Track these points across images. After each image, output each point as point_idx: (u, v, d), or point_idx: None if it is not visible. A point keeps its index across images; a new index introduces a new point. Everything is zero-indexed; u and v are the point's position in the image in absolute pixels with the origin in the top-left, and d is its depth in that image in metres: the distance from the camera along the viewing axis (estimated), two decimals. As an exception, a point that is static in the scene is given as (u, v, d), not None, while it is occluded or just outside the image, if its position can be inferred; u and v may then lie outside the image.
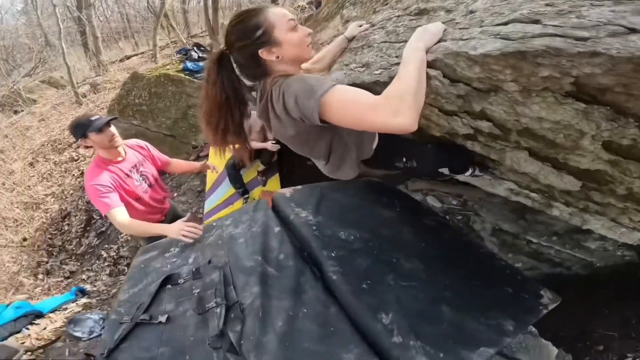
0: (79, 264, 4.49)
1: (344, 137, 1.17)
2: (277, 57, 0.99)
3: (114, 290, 1.99)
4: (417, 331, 1.08)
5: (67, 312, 1.78)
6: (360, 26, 1.60)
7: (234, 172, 3.57)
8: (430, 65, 0.97)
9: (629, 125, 0.77)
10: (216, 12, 13.52)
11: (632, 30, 0.60)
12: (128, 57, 15.84)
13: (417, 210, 1.72)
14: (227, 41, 1.02)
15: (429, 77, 0.98)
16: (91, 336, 1.46)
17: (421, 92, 0.84)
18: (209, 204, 3.67)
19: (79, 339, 1.46)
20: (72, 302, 1.88)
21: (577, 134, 0.87)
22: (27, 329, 1.60)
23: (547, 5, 0.75)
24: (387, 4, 1.67)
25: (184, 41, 12.32)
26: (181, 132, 4.87)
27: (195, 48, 5.82)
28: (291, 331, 1.08)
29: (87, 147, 1.84)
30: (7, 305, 1.75)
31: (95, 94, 10.66)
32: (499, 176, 1.52)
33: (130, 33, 19.41)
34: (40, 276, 4.30)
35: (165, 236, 1.62)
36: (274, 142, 3.50)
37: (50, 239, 5.16)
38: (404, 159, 1.35)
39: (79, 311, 1.75)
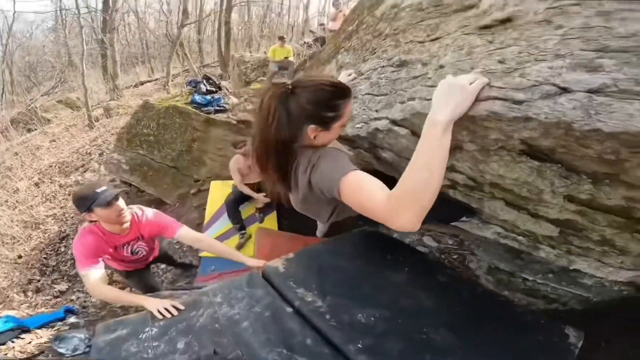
0: (69, 284, 4.50)
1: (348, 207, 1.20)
2: (314, 138, 0.98)
3: (102, 313, 1.97)
4: None
5: (53, 329, 1.79)
6: (349, 75, 1.63)
7: (233, 206, 3.62)
8: (399, 123, 1.01)
9: (582, 182, 0.80)
10: (228, 44, 14.19)
11: (564, 90, 0.63)
12: (142, 83, 16.43)
13: (425, 266, 1.65)
14: (299, 89, 0.95)
15: (401, 136, 1.01)
16: (74, 354, 1.45)
17: (432, 187, 0.72)
18: (210, 234, 3.69)
19: (62, 354, 1.46)
20: (60, 321, 1.89)
21: (536, 189, 0.89)
22: (13, 342, 1.61)
23: (499, 62, 0.80)
24: (374, 53, 1.75)
25: (196, 71, 12.84)
26: (184, 164, 4.93)
27: (204, 81, 6.01)
28: None
29: (92, 221, 1.72)
30: None
31: (107, 118, 10.99)
32: (486, 220, 1.51)
33: (147, 58, 20.27)
34: (29, 293, 4.30)
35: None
36: (265, 194, 3.62)
37: (45, 258, 5.19)
38: None
39: (66, 329, 1.76)
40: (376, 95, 1.35)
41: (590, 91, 0.60)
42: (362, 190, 0.82)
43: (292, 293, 1.38)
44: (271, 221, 3.87)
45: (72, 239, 5.24)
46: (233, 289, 1.50)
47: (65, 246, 5.29)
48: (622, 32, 0.64)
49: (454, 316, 1.39)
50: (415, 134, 1.03)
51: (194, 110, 5.02)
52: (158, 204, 4.84)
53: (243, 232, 3.67)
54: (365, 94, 1.43)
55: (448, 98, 0.76)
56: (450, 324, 1.34)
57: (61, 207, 6.33)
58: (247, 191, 3.66)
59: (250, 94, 5.58)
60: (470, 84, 0.76)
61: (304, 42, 8.69)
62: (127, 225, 1.79)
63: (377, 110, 1.29)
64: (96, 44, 14.54)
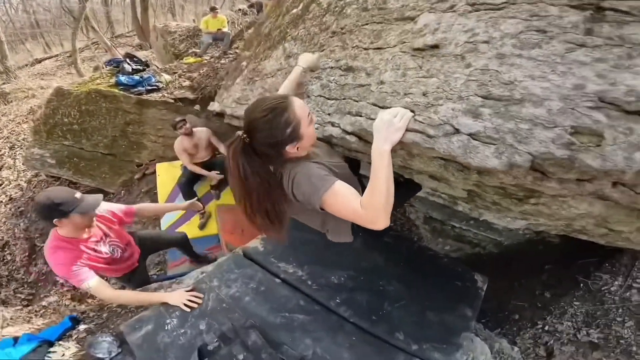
0: (33, 291, 4.33)
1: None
2: (297, 149, 1.07)
3: (105, 314, 2.03)
4: (423, 337, 1.60)
5: (73, 338, 1.82)
6: (314, 53, 1.63)
7: (187, 188, 3.64)
8: (350, 133, 1.27)
9: (471, 173, 1.12)
10: (146, 11, 12.63)
11: (457, 131, 0.96)
12: (39, 61, 14.10)
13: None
14: (251, 133, 1.02)
15: (352, 142, 1.28)
16: (111, 356, 1.56)
17: (390, 196, 0.97)
18: (165, 222, 3.71)
19: (101, 359, 1.55)
20: (73, 330, 1.92)
21: (445, 175, 1.25)
22: (49, 356, 1.66)
23: (423, 94, 1.09)
24: (322, 50, 1.85)
25: (108, 43, 11.37)
26: (121, 150, 4.66)
27: (127, 60, 5.41)
28: (356, 355, 1.49)
29: (57, 225, 1.64)
30: (14, 340, 1.78)
31: (5, 104, 9.49)
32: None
33: (39, 33, 17.23)
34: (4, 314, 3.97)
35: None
36: (217, 172, 3.69)
37: None
38: None
39: (85, 336, 1.82)
40: (327, 99, 1.56)
41: (470, 134, 0.93)
42: (342, 204, 1.01)
43: (276, 267, 1.74)
44: (228, 196, 3.97)
45: (14, 245, 4.87)
46: (225, 273, 1.79)
47: (10, 253, 4.90)
48: (504, 79, 0.96)
49: (399, 270, 1.91)
50: (362, 140, 1.31)
51: (121, 92, 4.64)
52: (98, 194, 4.57)
53: (202, 211, 3.70)
54: (318, 96, 1.62)
55: (386, 132, 1.02)
56: (398, 276, 1.86)
57: (-12, 214, 5.58)
58: (199, 170, 3.67)
59: (184, 69, 5.29)
60: (401, 115, 1.07)
61: (238, 9, 8.13)
62: (93, 229, 1.79)
63: (329, 114, 1.51)
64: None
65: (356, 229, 1.43)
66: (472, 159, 0.92)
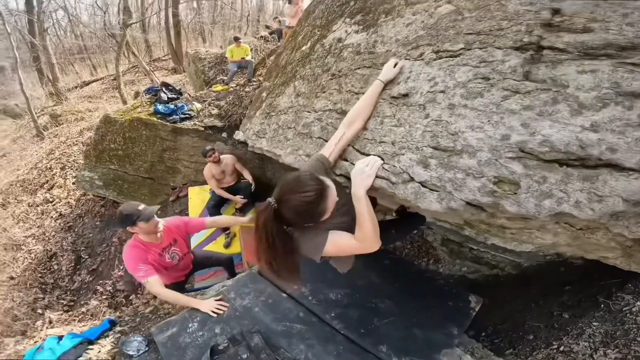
0: (75, 298, 4.81)
1: None
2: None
3: (138, 319, 2.34)
4: (404, 350, 1.77)
5: (109, 338, 2.12)
6: (395, 66, 1.47)
7: (215, 212, 4.00)
8: (341, 175, 1.50)
9: None
10: (179, 35, 13.64)
11: (411, 179, 1.18)
12: (87, 83, 15.48)
13: (375, 253, 2.37)
14: (283, 204, 1.12)
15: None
16: (139, 353, 1.83)
17: (375, 225, 1.19)
18: (194, 241, 4.03)
19: (131, 356, 1.82)
20: (110, 331, 2.23)
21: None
22: (87, 353, 1.95)
23: (392, 143, 1.30)
24: (324, 92, 2.06)
25: (147, 68, 12.35)
26: (159, 174, 5.14)
27: (163, 88, 5.96)
28: None
29: (131, 232, 2.09)
30: (59, 338, 2.11)
31: (57, 126, 10.46)
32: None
33: (86, 55, 18.83)
34: (39, 310, 4.56)
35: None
36: (242, 197, 4.03)
37: (40, 277, 5.39)
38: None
39: (119, 337, 2.11)
40: (325, 141, 1.77)
41: (420, 182, 1.15)
42: (342, 249, 1.26)
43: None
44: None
45: (62, 256, 5.48)
46: (241, 287, 2.13)
47: (57, 263, 5.50)
48: (452, 130, 1.16)
49: (393, 289, 2.11)
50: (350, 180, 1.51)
51: (159, 121, 5.10)
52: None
53: (227, 232, 4.09)
54: (317, 137, 1.86)
55: (359, 180, 1.22)
56: (391, 295, 2.06)
57: (38, 227, 6.36)
58: (225, 195, 4.06)
59: (213, 97, 5.73)
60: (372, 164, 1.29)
61: (261, 37, 8.62)
62: (160, 234, 2.18)
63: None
64: (25, 47, 13.41)
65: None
66: (421, 203, 1.14)
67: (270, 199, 1.14)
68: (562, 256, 2.74)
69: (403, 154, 1.23)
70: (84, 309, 4.16)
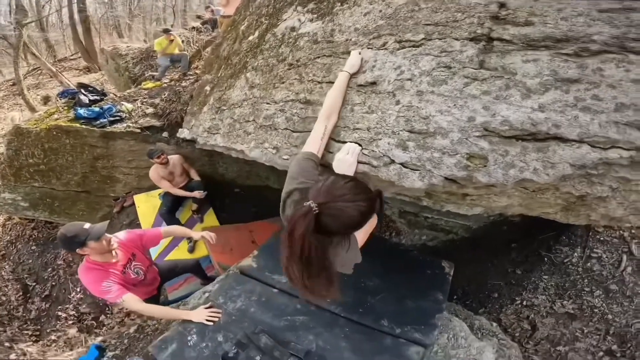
0: (38, 327, 4.42)
1: None
2: None
3: (126, 340, 2.20)
4: (404, 321, 1.88)
5: None
6: (360, 54, 1.52)
7: (169, 217, 3.77)
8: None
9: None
10: (89, 32, 12.12)
11: (392, 162, 1.27)
12: None
13: None
14: (327, 211, 0.95)
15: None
16: None
17: None
18: (155, 251, 3.80)
19: None
20: (102, 358, 2.09)
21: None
22: None
23: (367, 129, 1.38)
24: (283, 83, 2.03)
25: (53, 69, 10.84)
26: (95, 186, 4.62)
27: (82, 90, 5.25)
28: (352, 342, 1.76)
29: (81, 255, 1.93)
30: None
31: (-45, 145, 8.79)
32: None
33: None
34: (6, 344, 3.98)
35: None
36: (202, 191, 3.81)
37: None
38: None
39: None
40: (293, 132, 1.80)
41: (401, 164, 1.25)
42: (361, 240, 1.21)
43: (271, 279, 2.02)
44: (211, 218, 4.15)
45: (5, 286, 4.98)
46: (228, 290, 2.06)
47: (3, 294, 4.96)
48: (423, 114, 1.26)
49: (377, 267, 2.22)
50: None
51: (84, 126, 4.48)
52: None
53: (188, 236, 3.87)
54: (284, 129, 1.86)
55: (343, 169, 1.27)
56: (376, 273, 2.17)
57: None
58: (182, 193, 3.82)
59: (144, 95, 5.29)
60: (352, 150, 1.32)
61: (192, 27, 7.98)
62: (115, 252, 2.04)
63: (296, 146, 1.76)
64: None
65: None
66: (405, 183, 1.24)
67: (310, 203, 0.93)
68: (503, 215, 3.07)
69: (380, 139, 1.31)
70: (53, 337, 3.85)
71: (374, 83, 1.46)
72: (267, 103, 2.08)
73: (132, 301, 1.93)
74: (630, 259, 2.44)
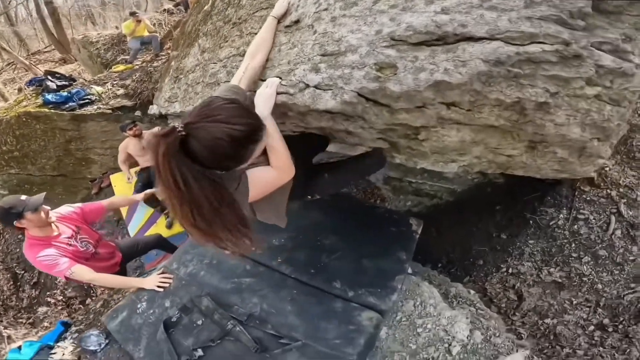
0: (31, 315, 4.51)
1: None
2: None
3: (91, 315, 2.21)
4: (358, 283, 1.73)
5: (68, 340, 2.00)
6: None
7: (144, 192, 3.74)
8: None
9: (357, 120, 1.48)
10: (59, 23, 11.77)
11: (307, 86, 1.29)
12: None
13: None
14: (195, 133, 0.83)
15: None
16: (102, 347, 1.78)
17: (286, 148, 1.11)
18: (132, 229, 3.85)
19: (94, 352, 1.76)
20: (66, 332, 2.10)
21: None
22: (51, 357, 1.85)
23: (287, 62, 1.40)
24: (227, 41, 2.07)
25: (26, 63, 10.60)
26: (70, 169, 4.66)
27: (49, 77, 5.25)
28: (298, 306, 1.64)
29: (19, 228, 1.85)
30: (19, 348, 1.96)
31: None
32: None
33: None
34: (4, 333, 4.12)
35: None
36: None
37: None
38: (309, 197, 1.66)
39: (77, 336, 1.99)
40: None
41: (315, 86, 1.27)
42: (263, 184, 1.10)
43: None
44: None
45: None
46: (182, 255, 2.03)
47: None
48: (335, 37, 1.29)
49: (337, 224, 2.10)
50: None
51: (52, 111, 4.52)
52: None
53: (166, 211, 3.86)
54: (225, 82, 1.84)
55: (262, 102, 1.21)
56: (335, 230, 2.04)
57: None
58: (126, 170, 3.79)
59: (115, 78, 5.26)
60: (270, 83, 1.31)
61: (164, 10, 7.82)
62: (53, 225, 1.96)
63: None
64: None
65: (296, 193, 1.44)
66: (318, 104, 1.26)
67: (176, 124, 0.81)
68: (487, 177, 2.95)
69: (297, 68, 1.34)
70: (46, 323, 3.95)
71: (297, 21, 1.46)
72: (214, 62, 2.11)
73: (83, 271, 1.88)
74: (619, 221, 2.20)
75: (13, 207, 1.79)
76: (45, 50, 13.70)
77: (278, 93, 1.37)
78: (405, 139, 1.70)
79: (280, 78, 1.40)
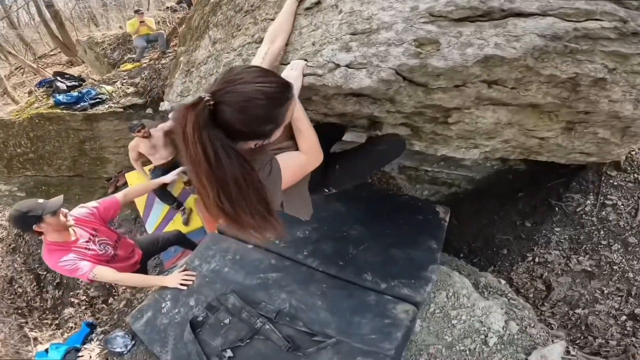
0: (56, 315, 4.61)
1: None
2: (255, 147, 0.97)
3: (115, 316, 2.21)
4: (390, 275, 1.65)
5: (94, 342, 2.00)
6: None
7: (161, 191, 3.75)
8: None
9: (384, 103, 1.42)
10: (62, 26, 11.79)
11: (337, 66, 1.21)
12: None
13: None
14: (223, 103, 0.78)
15: None
16: (129, 349, 1.74)
17: (314, 133, 1.07)
18: (150, 226, 3.87)
19: (121, 353, 1.73)
20: (92, 334, 2.09)
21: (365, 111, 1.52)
22: None
23: (312, 44, 1.33)
24: (239, 30, 2.02)
25: (34, 66, 10.71)
26: (86, 168, 4.67)
27: (58, 77, 5.22)
28: (329, 300, 1.57)
29: (38, 232, 1.80)
30: (45, 351, 1.97)
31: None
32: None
33: None
34: (31, 334, 4.28)
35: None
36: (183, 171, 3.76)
37: (11, 303, 5.03)
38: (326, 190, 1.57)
39: (102, 337, 1.98)
40: None
41: (346, 66, 1.18)
42: (294, 170, 1.06)
43: None
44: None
45: (20, 278, 5.21)
46: (204, 251, 1.97)
47: (19, 286, 5.19)
48: (365, 15, 1.21)
49: (360, 214, 2.02)
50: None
51: (65, 111, 4.49)
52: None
53: (182, 208, 3.90)
54: None
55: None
56: (360, 220, 1.97)
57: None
58: (169, 179, 3.73)
59: (124, 76, 5.23)
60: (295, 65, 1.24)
61: (167, 7, 7.77)
62: (71, 230, 1.91)
63: None
64: None
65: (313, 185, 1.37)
66: (352, 84, 1.18)
67: (202, 94, 0.76)
68: (507, 164, 2.86)
69: (324, 49, 1.26)
70: (71, 324, 4.02)
71: (318, 2, 1.40)
72: (227, 52, 2.07)
73: (105, 272, 1.86)
74: (648, 206, 2.10)
75: (31, 211, 1.74)
76: (52, 53, 13.81)
77: (304, 75, 1.30)
78: (431, 123, 1.62)
79: (306, 60, 1.32)
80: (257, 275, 1.74)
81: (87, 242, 1.98)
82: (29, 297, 5.07)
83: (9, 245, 5.69)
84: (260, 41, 1.73)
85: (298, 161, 1.07)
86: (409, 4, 1.12)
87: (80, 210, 2.06)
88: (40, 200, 1.80)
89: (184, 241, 2.96)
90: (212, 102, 0.75)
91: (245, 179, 0.79)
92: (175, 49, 5.71)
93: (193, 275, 1.87)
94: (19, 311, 4.90)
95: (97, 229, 2.07)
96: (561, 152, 1.62)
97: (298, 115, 1.02)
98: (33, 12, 14.13)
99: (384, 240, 1.84)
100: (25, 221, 1.75)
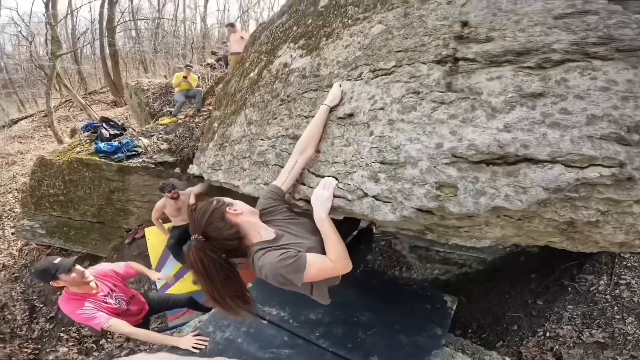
0: (39, 346, 4.53)
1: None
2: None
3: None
4: (395, 358, 1.77)
5: None
6: (340, 86, 1.57)
7: (176, 250, 3.80)
8: (302, 199, 1.53)
9: None
10: (117, 66, 12.92)
11: (365, 195, 1.25)
12: (15, 122, 14.05)
13: None
14: (207, 234, 1.23)
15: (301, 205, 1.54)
16: None
17: (343, 245, 1.27)
18: (160, 283, 3.81)
19: None
20: None
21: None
22: None
23: (343, 162, 1.37)
24: (275, 118, 2.08)
25: (82, 102, 11.58)
26: (109, 217, 4.79)
27: (104, 124, 5.59)
28: None
29: (58, 287, 2.01)
30: None
31: (-15, 171, 9.45)
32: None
33: (12, 90, 17.13)
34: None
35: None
36: None
37: None
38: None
39: None
40: (281, 167, 1.71)
41: (374, 197, 1.23)
42: (320, 270, 1.22)
43: (262, 311, 2.03)
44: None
45: (13, 306, 5.12)
46: (219, 319, 2.04)
47: (10, 314, 5.08)
48: (394, 144, 1.25)
49: (371, 300, 2.14)
50: (309, 203, 1.46)
51: (102, 160, 4.71)
52: (91, 259, 4.85)
53: None
54: (274, 165, 1.88)
55: (320, 203, 1.31)
56: (370, 307, 2.09)
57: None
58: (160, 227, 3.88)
59: (160, 131, 5.52)
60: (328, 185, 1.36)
61: (207, 64, 8.49)
62: (92, 284, 2.11)
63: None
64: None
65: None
66: (377, 216, 1.22)
67: (193, 237, 1.20)
68: (519, 246, 2.89)
69: (355, 172, 1.30)
70: (51, 357, 3.93)
71: (351, 115, 1.45)
72: (262, 139, 2.13)
73: (120, 325, 2.00)
74: (662, 284, 2.24)
75: (47, 270, 1.94)
76: (101, 90, 14.97)
77: (335, 196, 1.33)
78: (444, 228, 1.60)
79: (337, 179, 1.36)
80: (269, 350, 1.82)
81: (105, 295, 2.17)
82: (16, 325, 5.01)
83: (12, 274, 5.80)
84: (294, 137, 1.79)
85: (326, 264, 1.23)
86: (435, 139, 1.16)
87: (104, 267, 2.32)
88: (56, 260, 2.00)
89: (194, 305, 3.01)
90: (200, 237, 1.21)
91: (224, 280, 1.20)
92: (210, 108, 6.07)
93: (206, 341, 1.93)
94: (0, 336, 4.81)
95: (116, 284, 2.29)
96: (572, 244, 1.58)
97: (326, 232, 1.26)
98: (96, 46, 15.62)
99: (391, 326, 1.97)
100: (42, 278, 1.98)
